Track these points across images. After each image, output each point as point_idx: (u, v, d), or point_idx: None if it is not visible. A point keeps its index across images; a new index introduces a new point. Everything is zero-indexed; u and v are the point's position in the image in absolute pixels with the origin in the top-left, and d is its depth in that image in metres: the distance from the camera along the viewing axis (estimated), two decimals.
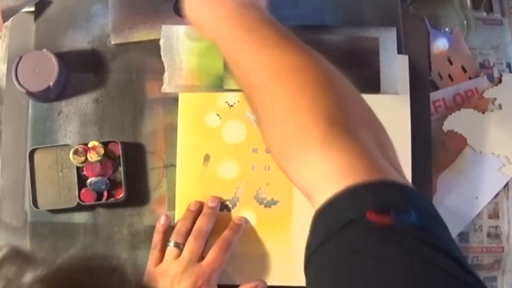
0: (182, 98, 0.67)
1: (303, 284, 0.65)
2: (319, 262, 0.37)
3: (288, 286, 0.65)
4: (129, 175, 0.66)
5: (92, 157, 0.64)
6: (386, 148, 0.43)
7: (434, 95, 0.75)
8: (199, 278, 0.59)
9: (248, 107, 0.66)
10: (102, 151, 0.64)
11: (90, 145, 0.65)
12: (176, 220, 0.65)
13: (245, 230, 0.65)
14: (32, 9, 0.70)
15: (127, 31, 0.69)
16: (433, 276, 0.34)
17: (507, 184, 0.75)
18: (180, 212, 0.65)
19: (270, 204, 0.66)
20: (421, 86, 0.70)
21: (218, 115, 0.67)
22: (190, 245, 0.61)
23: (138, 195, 0.67)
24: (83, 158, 0.64)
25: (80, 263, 0.33)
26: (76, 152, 0.64)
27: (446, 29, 0.78)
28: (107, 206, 0.66)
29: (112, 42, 0.69)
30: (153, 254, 0.63)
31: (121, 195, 0.65)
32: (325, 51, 0.68)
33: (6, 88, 0.70)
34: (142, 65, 0.69)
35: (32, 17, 0.70)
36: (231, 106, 0.67)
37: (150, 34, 0.69)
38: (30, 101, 0.68)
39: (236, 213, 0.65)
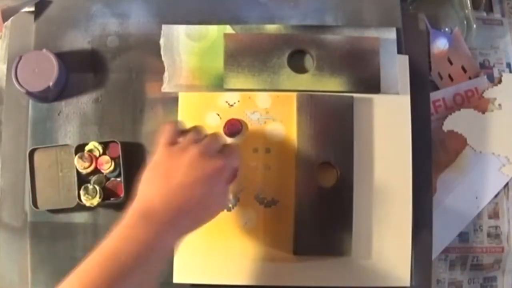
0: (182, 98, 0.67)
1: (304, 284, 0.65)
2: None
3: (288, 286, 0.65)
4: (129, 175, 0.66)
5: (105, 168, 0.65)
6: None
7: (434, 95, 0.76)
8: (217, 165, 0.54)
9: (248, 106, 0.67)
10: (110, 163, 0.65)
11: (89, 146, 0.65)
12: None
13: (245, 230, 0.65)
14: (32, 9, 0.70)
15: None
16: None
17: (507, 184, 0.75)
18: None
19: (270, 204, 0.66)
20: (421, 86, 0.70)
21: (218, 114, 0.67)
22: (210, 138, 0.57)
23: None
24: (87, 165, 0.64)
25: None
26: (81, 157, 0.64)
27: (446, 29, 0.78)
28: (107, 206, 0.66)
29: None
30: (166, 133, 0.58)
31: (121, 195, 0.65)
32: (325, 51, 0.68)
33: (6, 88, 0.70)
34: (142, 65, 0.69)
35: (32, 17, 0.70)
36: (231, 105, 0.67)
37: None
38: (30, 101, 0.68)
39: (236, 213, 0.65)
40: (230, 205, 0.66)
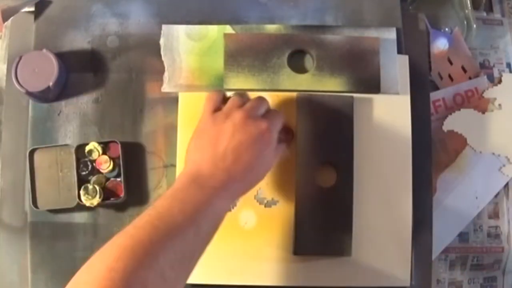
0: (182, 98, 0.67)
1: (304, 284, 0.65)
2: None
3: (288, 286, 0.65)
4: (129, 175, 0.66)
5: (104, 167, 0.65)
6: None
7: (434, 95, 0.75)
8: (262, 127, 0.55)
9: None
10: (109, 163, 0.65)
11: (89, 146, 0.65)
12: None
13: (245, 230, 0.65)
14: (32, 9, 0.70)
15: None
16: None
17: (507, 184, 0.75)
18: None
19: (270, 204, 0.66)
20: (421, 86, 0.70)
21: None
22: (253, 102, 0.58)
23: (138, 195, 0.67)
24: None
25: None
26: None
27: (446, 29, 0.78)
28: (107, 206, 0.66)
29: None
30: (209, 101, 0.59)
31: (121, 195, 0.65)
32: (325, 51, 0.68)
33: (6, 88, 0.70)
34: (142, 65, 0.69)
35: (32, 17, 0.70)
36: None
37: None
38: (30, 101, 0.68)
39: (236, 213, 0.65)
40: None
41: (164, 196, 0.51)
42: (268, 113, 0.58)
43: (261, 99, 0.60)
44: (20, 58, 0.66)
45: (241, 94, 0.59)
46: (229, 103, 0.58)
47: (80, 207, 0.65)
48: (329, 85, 0.67)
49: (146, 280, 0.43)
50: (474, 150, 0.75)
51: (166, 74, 0.68)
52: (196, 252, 0.50)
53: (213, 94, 0.60)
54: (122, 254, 0.43)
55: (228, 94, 0.62)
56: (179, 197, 0.50)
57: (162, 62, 0.68)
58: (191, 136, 0.57)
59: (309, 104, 0.66)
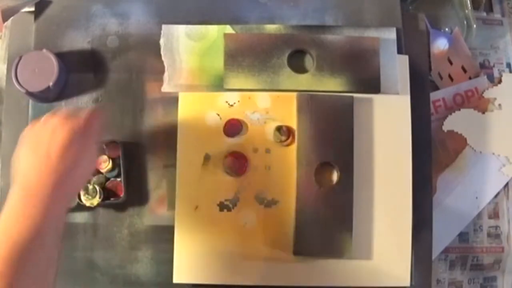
0: (182, 97, 0.67)
1: (304, 284, 0.65)
2: None
3: (288, 286, 0.65)
4: (129, 175, 0.66)
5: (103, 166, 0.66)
6: None
7: (434, 95, 0.76)
8: (80, 122, 0.54)
9: (248, 106, 0.67)
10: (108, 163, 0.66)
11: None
12: (176, 220, 0.65)
13: (245, 230, 0.65)
14: (32, 9, 0.70)
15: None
16: None
17: (507, 184, 0.75)
18: (180, 212, 0.65)
19: (270, 204, 0.66)
20: (421, 86, 0.70)
21: (218, 114, 0.67)
22: (67, 108, 0.59)
23: (138, 195, 0.67)
24: (283, 138, 0.66)
25: None
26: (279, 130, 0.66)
27: (446, 29, 0.78)
28: (107, 206, 0.66)
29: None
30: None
31: (121, 195, 0.65)
32: (325, 51, 0.68)
33: (6, 88, 0.70)
34: (142, 65, 0.69)
35: (32, 17, 0.70)
36: (231, 105, 0.67)
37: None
38: (30, 101, 0.68)
39: (236, 213, 0.65)
40: (230, 205, 0.66)
41: (1, 219, 0.49)
42: (84, 111, 0.57)
43: (75, 108, 0.60)
44: (20, 58, 0.66)
45: (60, 108, 0.59)
46: (47, 114, 0.58)
47: (80, 207, 0.65)
48: (329, 85, 0.67)
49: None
50: (474, 150, 0.75)
51: (166, 74, 0.68)
52: (50, 262, 0.49)
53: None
54: None
55: None
56: (13, 214, 0.49)
57: (162, 62, 0.68)
58: (17, 149, 0.56)
59: (309, 104, 0.66)
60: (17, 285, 0.45)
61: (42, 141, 0.53)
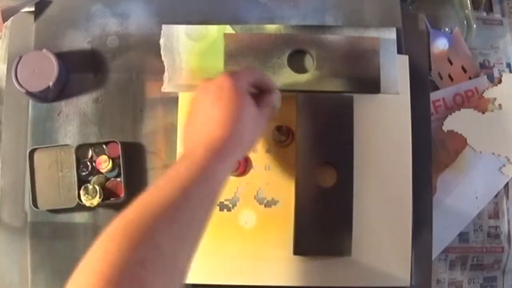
0: (182, 98, 0.67)
1: (304, 284, 0.65)
2: None
3: (288, 286, 0.65)
4: (129, 175, 0.66)
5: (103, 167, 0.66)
6: None
7: (434, 95, 0.76)
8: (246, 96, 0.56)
9: None
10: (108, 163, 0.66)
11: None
12: None
13: (245, 230, 0.65)
14: (32, 9, 0.71)
15: None
16: None
17: (507, 184, 0.75)
18: None
19: (270, 204, 0.66)
20: (421, 86, 0.70)
21: None
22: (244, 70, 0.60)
23: (138, 195, 0.67)
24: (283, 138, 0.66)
25: None
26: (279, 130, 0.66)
27: (446, 29, 0.78)
28: (107, 206, 0.66)
29: None
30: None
31: (121, 195, 0.65)
32: (325, 51, 0.68)
33: (6, 88, 0.70)
34: (142, 65, 0.69)
35: (32, 17, 0.70)
36: None
37: None
38: (30, 101, 0.68)
39: (236, 213, 0.65)
40: (230, 205, 0.66)
41: (170, 166, 0.52)
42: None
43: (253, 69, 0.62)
44: (20, 58, 0.66)
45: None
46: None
47: (80, 207, 0.65)
48: (329, 85, 0.67)
49: (141, 258, 0.42)
50: (474, 150, 0.75)
51: (166, 74, 0.68)
52: (194, 221, 0.49)
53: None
54: (116, 236, 0.44)
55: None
56: (169, 173, 0.50)
57: (162, 62, 0.68)
58: (188, 111, 0.58)
59: (309, 104, 0.66)
60: (159, 234, 0.45)
61: (212, 105, 0.55)
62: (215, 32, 0.69)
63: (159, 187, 0.49)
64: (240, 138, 0.54)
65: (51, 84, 0.65)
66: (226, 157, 0.53)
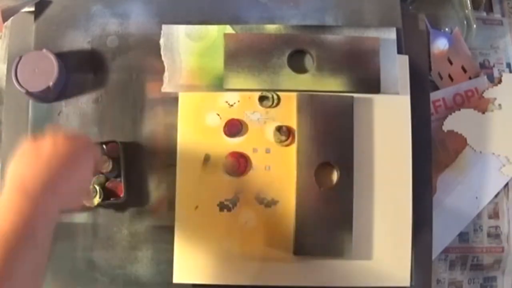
0: (182, 98, 0.67)
1: (304, 284, 0.65)
2: None
3: (288, 286, 0.65)
4: (129, 175, 0.66)
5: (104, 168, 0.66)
6: None
7: (434, 95, 0.76)
8: (85, 140, 0.57)
9: (248, 106, 0.67)
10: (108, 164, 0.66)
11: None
12: (176, 220, 0.65)
13: (245, 230, 0.65)
14: (32, 9, 0.70)
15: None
16: None
17: (507, 184, 0.75)
18: (180, 212, 0.65)
19: (270, 204, 0.66)
20: (421, 86, 0.70)
21: (218, 114, 0.67)
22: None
23: (138, 195, 0.67)
24: (284, 138, 0.66)
25: None
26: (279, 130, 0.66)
27: (446, 29, 0.78)
28: (107, 206, 0.66)
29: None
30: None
31: (121, 195, 0.65)
32: (325, 51, 0.68)
33: (6, 88, 0.70)
34: (142, 65, 0.69)
35: (32, 17, 0.70)
36: (231, 105, 0.67)
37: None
38: (30, 101, 0.68)
39: (236, 213, 0.65)
40: (230, 205, 0.66)
41: None
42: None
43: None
44: (20, 58, 0.66)
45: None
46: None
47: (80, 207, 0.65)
48: (329, 85, 0.67)
49: None
50: (474, 150, 0.75)
51: (166, 74, 0.68)
52: (40, 262, 0.48)
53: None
54: None
55: None
56: (4, 211, 0.48)
57: (162, 62, 0.68)
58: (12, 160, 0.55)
59: (309, 104, 0.66)
60: (4, 283, 0.44)
61: (44, 148, 0.53)
62: (215, 32, 0.69)
63: None
64: (79, 185, 0.55)
65: (51, 84, 0.65)
66: (59, 202, 0.52)
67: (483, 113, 0.76)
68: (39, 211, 0.49)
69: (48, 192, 0.51)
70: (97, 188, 0.64)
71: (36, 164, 0.52)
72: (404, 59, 0.69)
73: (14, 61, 0.66)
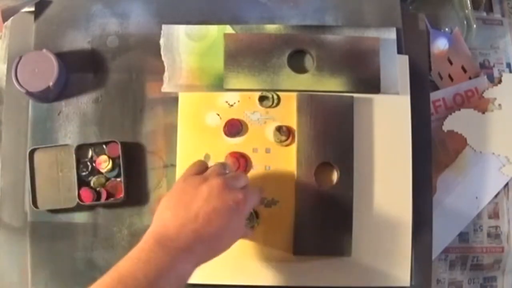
0: (182, 98, 0.67)
1: (304, 284, 0.65)
2: None
3: (288, 286, 0.65)
4: (129, 175, 0.66)
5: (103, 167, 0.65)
6: None
7: (434, 95, 0.76)
8: (239, 197, 0.54)
9: (248, 106, 0.67)
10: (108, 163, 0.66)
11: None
12: None
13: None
14: (32, 9, 0.71)
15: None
16: None
17: (507, 184, 0.75)
18: None
19: (270, 204, 0.66)
20: (421, 86, 0.70)
21: (218, 114, 0.67)
22: (235, 174, 0.58)
23: (138, 195, 0.67)
24: (283, 138, 0.66)
25: None
26: (279, 130, 0.66)
27: (446, 29, 0.78)
28: (107, 206, 0.66)
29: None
30: (191, 166, 0.58)
31: (121, 195, 0.65)
32: (325, 51, 0.68)
33: (6, 88, 0.70)
34: (142, 65, 0.69)
35: (32, 17, 0.70)
36: (231, 105, 0.67)
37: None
38: (30, 101, 0.68)
39: None
40: None
41: (128, 257, 0.49)
42: (246, 188, 0.57)
43: (241, 173, 0.60)
44: (20, 58, 0.66)
45: (223, 164, 0.59)
46: (209, 170, 0.57)
47: (80, 207, 0.65)
48: (329, 85, 0.67)
49: None
50: (474, 150, 0.75)
51: (166, 74, 0.68)
52: None
53: (197, 162, 0.59)
54: None
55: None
56: (142, 258, 0.49)
57: (162, 62, 0.68)
58: (165, 195, 0.55)
59: (309, 104, 0.66)
60: None
61: (196, 199, 0.52)
62: (215, 32, 0.69)
63: (131, 272, 0.48)
64: (219, 248, 0.54)
65: (51, 84, 0.65)
66: (200, 259, 0.52)
67: (483, 113, 0.76)
68: (174, 270, 0.49)
69: (189, 252, 0.50)
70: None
71: (182, 218, 0.51)
72: (404, 59, 0.69)
73: (14, 61, 0.66)
